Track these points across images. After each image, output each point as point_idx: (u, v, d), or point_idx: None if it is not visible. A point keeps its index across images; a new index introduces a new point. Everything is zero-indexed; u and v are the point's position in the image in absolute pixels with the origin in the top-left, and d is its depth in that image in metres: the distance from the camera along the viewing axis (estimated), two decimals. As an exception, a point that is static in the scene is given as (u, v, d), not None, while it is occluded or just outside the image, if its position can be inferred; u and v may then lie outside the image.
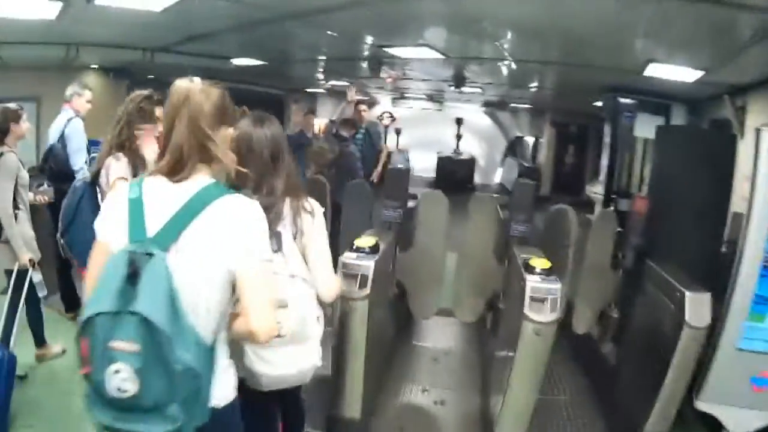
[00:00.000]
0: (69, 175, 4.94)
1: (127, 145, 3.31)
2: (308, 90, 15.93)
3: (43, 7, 5.08)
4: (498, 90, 12.37)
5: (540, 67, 8.23)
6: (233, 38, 7.29)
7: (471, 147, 18.31)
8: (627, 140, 8.67)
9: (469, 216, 4.85)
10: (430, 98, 16.11)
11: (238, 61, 9.25)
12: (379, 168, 8.34)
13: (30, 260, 4.09)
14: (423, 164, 17.47)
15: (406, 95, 16.18)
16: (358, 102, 8.60)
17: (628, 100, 8.45)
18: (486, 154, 18.94)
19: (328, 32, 6.68)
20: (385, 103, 17.74)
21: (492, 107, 16.57)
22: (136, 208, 1.72)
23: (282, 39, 7.38)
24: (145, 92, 3.45)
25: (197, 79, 1.82)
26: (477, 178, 17.67)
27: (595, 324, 4.87)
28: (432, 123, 18.21)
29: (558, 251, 4.41)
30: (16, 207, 4.11)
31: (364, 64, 9.09)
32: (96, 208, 3.20)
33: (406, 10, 5.31)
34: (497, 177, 18.27)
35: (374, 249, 3.68)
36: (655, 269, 3.98)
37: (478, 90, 11.81)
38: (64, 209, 3.50)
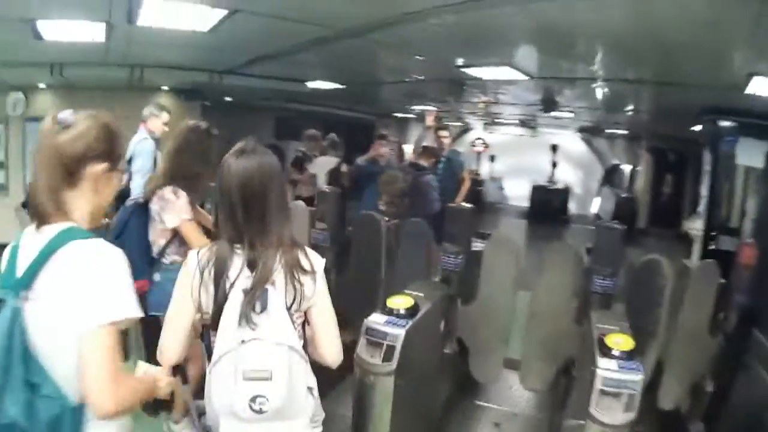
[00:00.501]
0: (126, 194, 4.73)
1: (186, 178, 3.30)
2: (397, 115, 15.49)
3: (91, 30, 5.09)
4: (592, 114, 11.52)
5: (632, 86, 7.32)
6: (305, 60, 6.94)
7: (567, 175, 17.32)
8: (728, 169, 7.62)
9: (546, 264, 4.09)
10: (523, 123, 15.20)
11: (313, 84, 9.00)
12: (458, 199, 7.58)
13: None
14: (518, 192, 16.73)
15: (497, 120, 15.34)
16: (439, 128, 7.91)
17: (728, 123, 7.37)
18: (582, 182, 17.88)
19: (417, 57, 6.38)
20: (477, 128, 17.14)
21: (587, 133, 15.47)
22: (12, 255, 1.67)
23: (356, 60, 7.01)
24: (203, 124, 3.42)
25: (67, 114, 1.75)
26: (573, 208, 16.65)
27: (685, 398, 4.11)
28: (527, 149, 17.40)
29: (647, 311, 3.73)
30: None
31: (447, 87, 8.56)
32: (143, 229, 3.36)
33: (486, 27, 4.77)
34: (594, 207, 17.16)
35: (411, 311, 3.08)
36: (763, 343, 3.46)
37: (570, 114, 10.88)
38: (112, 226, 3.45)
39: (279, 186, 2.04)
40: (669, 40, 4.48)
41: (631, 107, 9.65)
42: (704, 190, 8.14)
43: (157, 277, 3.34)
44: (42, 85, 8.72)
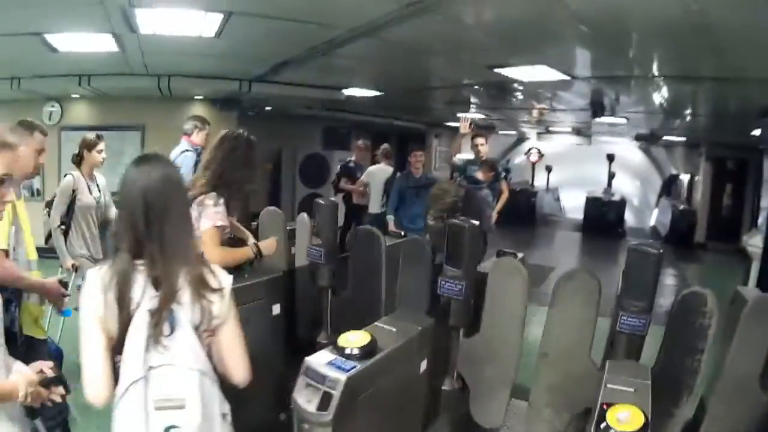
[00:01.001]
0: None
1: (228, 186, 3.23)
2: (448, 124, 14.81)
3: (102, 41, 5.19)
4: (648, 121, 10.35)
5: (688, 85, 6.35)
6: (338, 65, 6.54)
7: (624, 185, 16.09)
8: None
9: (559, 296, 3.22)
10: (578, 132, 14.06)
11: (349, 92, 8.49)
12: (497, 209, 6.96)
13: (72, 265, 4.57)
14: (574, 204, 15.63)
15: (552, 129, 14.28)
16: (476, 135, 7.10)
17: None
18: (640, 193, 16.64)
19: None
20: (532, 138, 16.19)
21: (644, 141, 14.10)
22: None
23: (392, 64, 6.56)
24: (244, 132, 3.40)
25: None
26: (630, 221, 15.44)
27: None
28: (583, 159, 16.29)
29: (685, 356, 2.90)
30: (68, 224, 4.65)
31: (496, 93, 7.81)
32: None
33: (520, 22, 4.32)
34: (652, 219, 15.88)
35: (365, 352, 2.49)
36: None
37: (623, 120, 9.79)
38: None
39: (182, 199, 1.97)
40: (724, 30, 3.88)
41: (688, 110, 8.58)
42: (765, 201, 7.04)
43: None
44: (76, 96, 8.68)
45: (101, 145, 4.83)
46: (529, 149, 16.42)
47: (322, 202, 4.19)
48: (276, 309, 3.73)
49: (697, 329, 2.87)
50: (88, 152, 4.78)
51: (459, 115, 8.16)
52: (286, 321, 3.89)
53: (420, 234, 6.53)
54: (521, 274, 3.28)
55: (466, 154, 7.10)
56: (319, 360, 2.45)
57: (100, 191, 4.93)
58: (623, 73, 6.05)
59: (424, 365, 3.13)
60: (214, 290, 1.83)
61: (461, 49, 5.48)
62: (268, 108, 10.64)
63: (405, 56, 5.86)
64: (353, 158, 8.64)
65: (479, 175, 6.37)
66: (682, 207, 13.69)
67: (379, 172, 7.81)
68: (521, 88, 7.29)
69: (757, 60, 4.63)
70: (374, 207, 7.77)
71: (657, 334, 3.00)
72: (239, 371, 1.92)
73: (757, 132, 7.74)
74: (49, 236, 4.73)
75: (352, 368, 2.39)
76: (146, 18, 4.45)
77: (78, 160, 4.82)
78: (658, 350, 3.03)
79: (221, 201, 3.17)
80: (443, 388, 3.47)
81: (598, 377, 2.84)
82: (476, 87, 7.76)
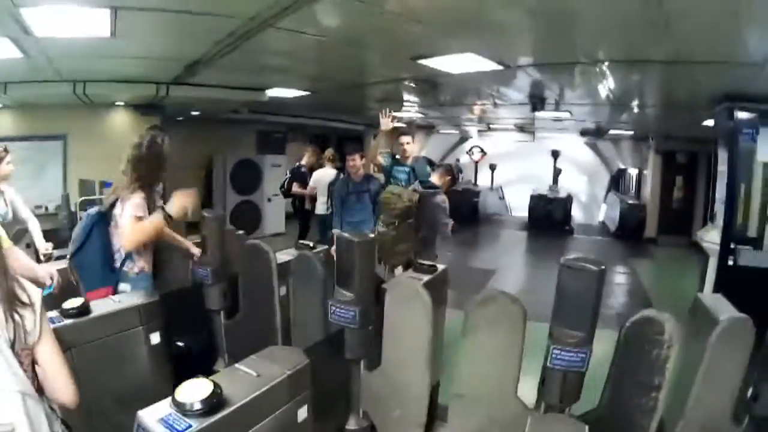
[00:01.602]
0: None
1: (146, 184, 3.30)
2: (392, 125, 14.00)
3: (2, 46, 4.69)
4: (594, 114, 9.65)
5: (632, 72, 5.61)
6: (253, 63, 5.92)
7: (571, 182, 15.45)
8: (747, 167, 5.79)
9: (475, 325, 2.35)
10: (521, 129, 13.31)
11: (272, 92, 7.73)
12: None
13: None
14: (520, 202, 14.92)
15: (493, 126, 13.50)
16: (401, 133, 6.26)
17: (746, 114, 5.67)
18: (588, 189, 16.04)
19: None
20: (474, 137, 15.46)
21: (590, 136, 13.35)
22: None
23: (312, 59, 5.85)
24: (158, 135, 3.48)
25: None
26: (579, 217, 14.77)
27: None
28: (528, 156, 15.62)
29: (638, 395, 2.16)
30: None
31: (419, 87, 7.02)
32: (105, 236, 3.32)
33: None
34: (600, 215, 15.27)
35: (210, 406, 1.88)
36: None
37: (565, 113, 9.05)
38: (75, 234, 3.38)
39: None
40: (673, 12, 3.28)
41: (635, 101, 7.84)
42: (719, 193, 6.31)
43: (123, 287, 3.26)
44: None
45: (8, 157, 4.52)
46: (471, 148, 15.66)
47: (208, 215, 3.35)
48: (155, 338, 3.06)
49: (652, 361, 2.10)
50: None
51: (376, 107, 7.16)
52: (170, 350, 3.19)
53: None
54: (421, 299, 2.44)
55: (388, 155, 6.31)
56: (153, 415, 1.87)
57: (7, 205, 4.53)
58: (563, 59, 5.26)
59: (303, 413, 2.31)
60: (24, 305, 1.67)
61: (383, 39, 4.74)
62: (195, 113, 9.83)
63: (323, 51, 5.15)
64: (304, 162, 8.16)
65: (434, 179, 5.50)
66: (630, 201, 13.10)
67: (324, 175, 7.49)
68: (449, 81, 6.48)
69: (705, 41, 3.96)
70: (320, 209, 7.48)
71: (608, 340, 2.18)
72: (64, 391, 1.74)
73: (709, 122, 7.06)
74: None
75: (187, 428, 1.79)
76: (36, 19, 3.91)
77: None
78: (604, 385, 2.22)
79: (141, 196, 3.22)
80: (347, 428, 2.75)
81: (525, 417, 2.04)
82: (405, 83, 6.93)
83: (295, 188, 7.90)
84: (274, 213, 11.71)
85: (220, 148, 11.45)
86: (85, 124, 8.09)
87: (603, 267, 2.02)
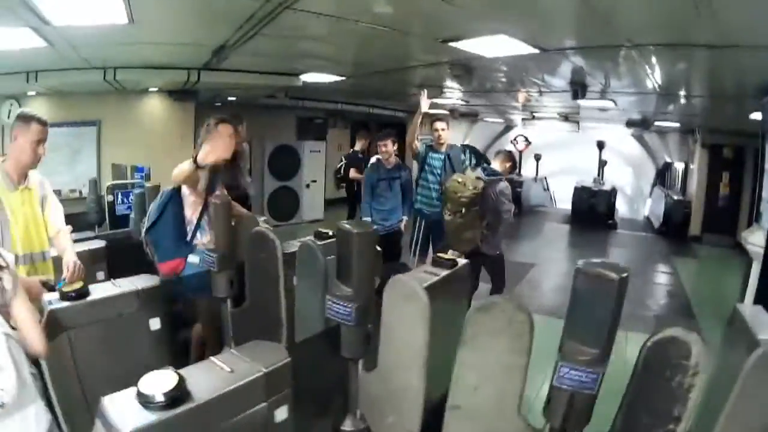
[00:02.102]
0: None
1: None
2: (428, 111, 13.71)
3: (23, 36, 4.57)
4: (640, 104, 9.12)
5: (677, 58, 5.18)
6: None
7: (616, 174, 14.84)
8: None
9: (475, 333, 2.08)
10: (565, 118, 12.77)
11: (306, 77, 7.51)
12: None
13: None
14: (565, 194, 14.40)
15: (537, 115, 13.00)
16: (436, 119, 5.99)
17: None
18: (633, 182, 15.40)
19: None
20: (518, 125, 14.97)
21: (636, 127, 12.66)
22: None
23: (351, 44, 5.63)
24: (212, 118, 3.52)
25: None
26: (623, 211, 14.16)
27: None
28: (573, 147, 15.05)
29: (654, 426, 1.86)
30: None
31: (453, 72, 6.73)
32: (179, 212, 3.49)
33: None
34: (645, 209, 14.63)
35: (172, 399, 1.83)
36: None
37: (609, 102, 8.57)
38: (150, 210, 3.55)
39: None
40: None
41: (682, 91, 7.35)
42: (766, 192, 5.82)
43: (192, 258, 3.38)
44: (32, 93, 7.84)
45: None
46: (516, 137, 15.18)
47: (214, 200, 3.19)
48: (154, 324, 3.03)
49: (673, 389, 1.79)
50: None
51: (415, 92, 6.80)
52: (171, 337, 3.18)
53: (394, 234, 5.56)
54: (420, 300, 2.19)
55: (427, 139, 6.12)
56: (115, 403, 1.84)
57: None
58: (602, 42, 4.89)
59: (282, 413, 2.18)
60: (2, 267, 1.90)
61: (408, 21, 4.48)
62: (231, 98, 9.72)
63: (347, 34, 4.92)
64: (358, 148, 8.32)
65: (495, 166, 5.43)
66: (676, 197, 12.45)
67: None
68: (486, 66, 6.18)
69: (750, 25, 3.61)
70: None
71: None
72: (36, 342, 1.92)
73: (756, 116, 6.54)
74: None
75: (145, 420, 1.76)
76: (51, 8, 3.82)
77: None
78: (617, 410, 1.93)
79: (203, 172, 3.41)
80: (343, 428, 2.55)
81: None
82: (442, 67, 6.62)
83: (353, 173, 7.87)
84: (313, 199, 11.63)
85: (259, 134, 11.35)
86: (118, 110, 8.11)
87: (626, 274, 1.71)
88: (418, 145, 5.78)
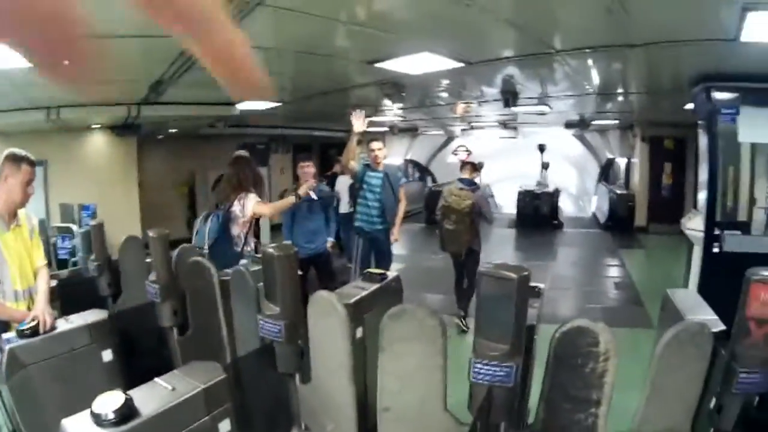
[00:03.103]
0: None
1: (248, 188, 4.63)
2: (370, 129, 13.82)
3: None
4: (576, 106, 9.38)
5: (601, 58, 5.31)
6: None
7: (561, 175, 15.14)
8: (730, 149, 5.44)
9: (390, 339, 2.13)
10: (504, 125, 13.03)
11: (241, 106, 7.55)
12: (397, 223, 6.09)
13: None
14: (510, 200, 14.58)
15: (475, 125, 13.24)
16: (372, 139, 6.14)
17: (724, 93, 5.33)
18: (578, 181, 15.75)
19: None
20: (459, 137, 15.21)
21: (575, 127, 12.98)
22: None
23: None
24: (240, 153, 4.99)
25: None
26: (570, 210, 14.46)
27: None
28: (515, 152, 15.32)
29: (574, 411, 1.97)
30: None
31: (384, 91, 6.82)
32: (228, 230, 4.58)
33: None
34: (591, 206, 14.97)
35: (122, 416, 1.93)
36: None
37: (544, 107, 8.78)
38: (208, 231, 4.58)
39: None
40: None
41: (618, 89, 7.58)
42: (702, 176, 6.03)
43: (243, 262, 3.77)
44: None
45: None
46: (457, 147, 15.39)
47: (153, 234, 3.21)
48: (107, 355, 3.08)
49: (586, 375, 1.89)
50: None
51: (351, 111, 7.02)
52: (123, 367, 3.17)
53: (322, 255, 5.61)
54: (338, 313, 2.25)
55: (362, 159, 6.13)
56: (74, 424, 1.94)
57: None
58: (525, 51, 5.04)
59: (225, 426, 2.27)
60: None
61: (330, 45, 4.58)
62: (172, 130, 9.61)
63: (273, 61, 4.98)
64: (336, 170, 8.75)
65: (465, 175, 6.27)
66: (620, 191, 12.79)
67: (345, 180, 7.95)
68: (417, 82, 6.27)
69: (665, 21, 3.72)
70: (343, 208, 7.95)
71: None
72: None
73: (690, 106, 6.77)
74: None
75: None
76: None
77: None
78: (538, 400, 2.03)
79: (253, 194, 4.64)
80: None
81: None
82: (373, 87, 6.73)
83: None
84: (261, 224, 11.57)
85: (202, 164, 11.32)
86: (63, 149, 8.02)
87: (526, 273, 1.81)
88: (356, 165, 5.83)
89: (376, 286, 2.75)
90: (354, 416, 2.30)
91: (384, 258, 5.88)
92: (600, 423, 1.94)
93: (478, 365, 1.85)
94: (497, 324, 1.84)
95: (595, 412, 1.96)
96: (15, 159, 3.22)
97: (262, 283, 2.73)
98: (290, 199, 4.70)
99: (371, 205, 5.82)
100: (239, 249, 4.47)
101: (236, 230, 4.51)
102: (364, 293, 2.57)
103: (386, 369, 2.11)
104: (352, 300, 2.35)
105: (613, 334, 1.94)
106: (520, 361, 1.86)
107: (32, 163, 3.28)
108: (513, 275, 1.79)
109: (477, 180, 6.53)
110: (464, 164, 6.50)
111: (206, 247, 4.46)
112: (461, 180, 6.22)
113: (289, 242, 5.42)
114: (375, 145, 5.92)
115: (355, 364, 2.25)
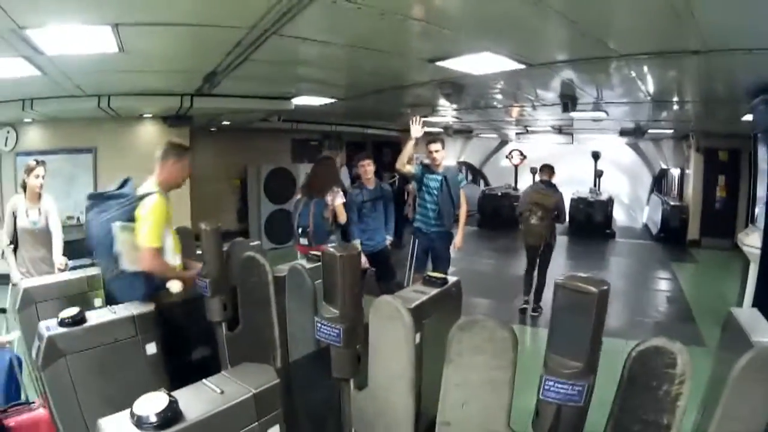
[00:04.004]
0: None
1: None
2: (426, 130, 13.73)
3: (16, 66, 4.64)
4: (633, 113, 9.12)
5: (663, 65, 5.16)
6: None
7: (613, 183, 14.78)
8: None
9: (458, 352, 2.05)
10: (559, 130, 12.76)
11: (297, 101, 7.55)
12: (460, 229, 6.11)
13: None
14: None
15: (531, 129, 13.00)
16: (430, 141, 6.07)
17: None
18: (630, 190, 15.35)
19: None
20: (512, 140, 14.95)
21: (629, 136, 12.61)
22: None
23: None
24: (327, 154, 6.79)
25: None
26: (621, 220, 14.09)
27: None
28: (569, 159, 15.02)
29: None
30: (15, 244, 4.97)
31: (443, 91, 6.71)
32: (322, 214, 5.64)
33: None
34: (643, 217, 14.56)
35: (165, 420, 1.84)
36: None
37: (602, 113, 8.59)
38: (314, 215, 5.59)
39: None
40: None
41: (674, 98, 7.36)
42: (761, 191, 5.78)
43: (333, 238, 5.73)
44: (28, 120, 7.93)
45: (38, 170, 4.94)
46: (511, 151, 15.17)
47: (205, 227, 3.20)
48: (151, 348, 3.08)
49: (660, 398, 1.78)
50: (27, 177, 4.93)
51: (411, 115, 6.93)
52: (167, 361, 3.17)
53: (382, 252, 5.64)
54: (403, 320, 2.18)
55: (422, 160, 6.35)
56: (112, 425, 1.85)
57: (40, 214, 4.99)
58: (589, 55, 4.91)
59: None
60: None
61: (393, 43, 4.52)
62: (225, 123, 9.69)
63: (335, 57, 5.05)
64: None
65: (545, 177, 7.16)
66: (673, 203, 12.42)
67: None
68: (476, 83, 6.20)
69: (733, 28, 3.62)
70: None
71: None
72: None
73: (748, 117, 6.53)
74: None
75: None
76: (43, 39, 3.89)
77: (23, 185, 4.97)
78: (606, 421, 1.92)
79: (339, 189, 5.81)
80: None
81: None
82: (432, 86, 6.65)
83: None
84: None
85: (254, 157, 11.37)
86: (114, 137, 8.21)
87: (606, 287, 1.71)
88: (412, 168, 5.89)
89: (436, 290, 2.66)
90: (412, 426, 2.23)
91: (441, 261, 5.89)
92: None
93: (550, 382, 1.76)
94: (572, 339, 1.74)
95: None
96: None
97: (318, 281, 2.69)
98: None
99: (429, 207, 5.87)
100: (329, 230, 5.62)
101: (327, 215, 5.57)
102: (424, 298, 2.49)
103: (451, 381, 2.02)
104: (413, 305, 2.28)
105: (689, 355, 1.83)
106: (593, 380, 1.77)
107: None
108: (593, 289, 1.69)
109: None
110: (543, 167, 7.29)
111: (311, 225, 5.53)
112: (542, 182, 7.19)
113: (356, 242, 5.57)
114: (434, 146, 5.91)
115: (415, 373, 2.18)
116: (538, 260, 7.03)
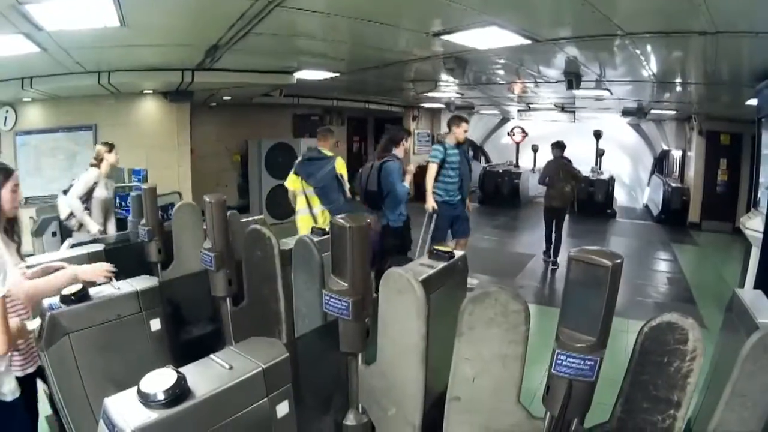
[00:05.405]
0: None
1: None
2: (424, 105, 13.72)
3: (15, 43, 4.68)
4: (636, 93, 9.08)
5: (668, 44, 5.13)
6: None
7: (614, 163, 14.74)
8: None
9: (470, 324, 2.02)
10: (562, 108, 12.68)
11: (300, 75, 7.47)
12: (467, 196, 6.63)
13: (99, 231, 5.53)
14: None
15: (533, 106, 12.93)
16: (464, 120, 6.40)
17: None
18: (631, 170, 15.30)
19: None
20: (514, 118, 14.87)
21: (631, 116, 12.56)
22: None
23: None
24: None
25: None
26: (622, 200, 14.07)
27: None
28: (570, 137, 14.92)
29: (652, 412, 1.83)
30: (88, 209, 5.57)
31: (446, 66, 6.66)
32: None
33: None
34: (644, 197, 14.54)
35: (173, 397, 1.83)
36: None
37: (605, 92, 8.57)
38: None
39: None
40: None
41: (677, 78, 7.32)
42: (763, 177, 5.76)
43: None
44: (27, 99, 7.85)
45: (116, 150, 5.73)
46: (513, 128, 15.09)
47: (209, 200, 3.15)
48: (155, 324, 3.07)
49: (671, 374, 1.77)
50: (108, 154, 5.67)
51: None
52: (171, 337, 3.20)
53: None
54: (415, 293, 2.15)
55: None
56: (118, 403, 1.82)
57: (107, 189, 5.75)
58: (595, 32, 4.86)
59: (284, 408, 2.22)
60: None
61: (397, 15, 4.53)
62: (226, 98, 9.63)
63: (338, 29, 5.05)
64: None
65: (558, 153, 8.76)
66: (674, 185, 12.40)
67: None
68: (480, 58, 6.28)
69: (741, 11, 3.65)
70: None
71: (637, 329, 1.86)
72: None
73: (752, 102, 6.50)
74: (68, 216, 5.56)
75: (147, 418, 1.74)
76: (43, 14, 3.91)
77: (97, 162, 5.64)
78: (616, 397, 1.92)
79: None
80: (345, 423, 2.53)
81: (533, 429, 1.80)
82: (435, 61, 6.60)
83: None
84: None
85: (255, 132, 11.31)
86: (114, 113, 8.16)
87: (619, 260, 1.68)
88: (436, 165, 6.33)
89: (443, 264, 2.64)
90: (421, 401, 2.22)
91: (465, 222, 6.57)
92: (677, 426, 1.82)
93: (562, 356, 1.74)
94: (585, 314, 1.73)
95: (673, 414, 1.82)
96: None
97: (326, 254, 2.67)
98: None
99: (452, 181, 6.30)
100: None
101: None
102: (431, 271, 2.46)
103: (462, 355, 2.00)
104: (421, 278, 2.26)
105: (701, 331, 1.82)
106: (604, 355, 1.76)
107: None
108: (607, 262, 1.67)
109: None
110: (559, 143, 8.80)
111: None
112: (562, 157, 8.67)
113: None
114: (466, 126, 6.38)
115: (426, 348, 2.17)
116: (555, 221, 8.42)
